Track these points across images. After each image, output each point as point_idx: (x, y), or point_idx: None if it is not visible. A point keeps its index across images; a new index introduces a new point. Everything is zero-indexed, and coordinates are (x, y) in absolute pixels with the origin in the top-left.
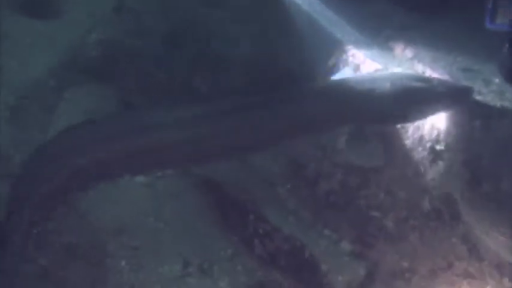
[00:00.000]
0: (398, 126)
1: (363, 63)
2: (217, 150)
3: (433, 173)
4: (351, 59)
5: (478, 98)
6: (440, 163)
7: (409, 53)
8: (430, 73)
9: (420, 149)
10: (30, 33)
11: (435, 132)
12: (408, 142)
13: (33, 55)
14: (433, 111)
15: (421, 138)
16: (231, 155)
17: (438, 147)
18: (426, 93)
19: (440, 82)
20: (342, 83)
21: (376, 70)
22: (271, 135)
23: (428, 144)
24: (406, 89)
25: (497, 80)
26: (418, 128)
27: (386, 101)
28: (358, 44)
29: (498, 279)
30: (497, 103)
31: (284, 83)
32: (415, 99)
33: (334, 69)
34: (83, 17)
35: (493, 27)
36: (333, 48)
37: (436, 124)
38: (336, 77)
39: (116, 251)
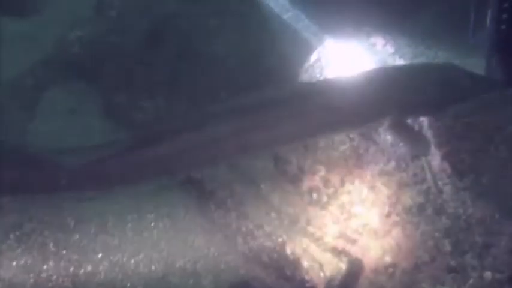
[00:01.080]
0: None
1: (344, 59)
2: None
3: (414, 168)
4: (332, 54)
5: None
6: (422, 158)
7: (390, 48)
8: None
9: (402, 144)
10: (9, 32)
11: (416, 127)
12: (389, 137)
13: (12, 53)
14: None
15: None
16: None
17: None
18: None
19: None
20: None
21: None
22: None
23: None
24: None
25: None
26: None
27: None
28: (339, 40)
29: (480, 272)
30: None
31: (265, 79)
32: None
33: (317, 64)
34: (63, 15)
35: (476, 41)
36: (314, 44)
37: (417, 119)
38: None
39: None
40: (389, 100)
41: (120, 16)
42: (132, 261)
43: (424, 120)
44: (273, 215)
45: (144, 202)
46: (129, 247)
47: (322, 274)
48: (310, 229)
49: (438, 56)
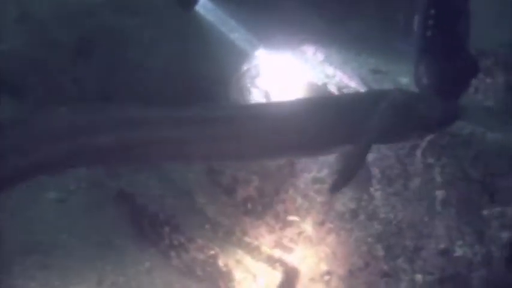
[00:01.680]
0: None
1: (276, 67)
2: None
3: None
4: (264, 63)
5: None
6: None
7: (320, 56)
8: (341, 75)
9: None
10: None
11: None
12: None
13: None
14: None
15: None
16: None
17: None
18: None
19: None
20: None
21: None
22: None
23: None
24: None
25: (405, 81)
26: None
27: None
28: (270, 49)
29: (411, 275)
30: None
31: (201, 88)
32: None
33: (248, 73)
34: None
35: (404, 48)
36: (246, 54)
37: None
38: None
39: (25, 271)
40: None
41: (45, 28)
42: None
43: None
44: (207, 227)
45: (73, 219)
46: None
47: (255, 285)
48: (246, 239)
49: (367, 62)
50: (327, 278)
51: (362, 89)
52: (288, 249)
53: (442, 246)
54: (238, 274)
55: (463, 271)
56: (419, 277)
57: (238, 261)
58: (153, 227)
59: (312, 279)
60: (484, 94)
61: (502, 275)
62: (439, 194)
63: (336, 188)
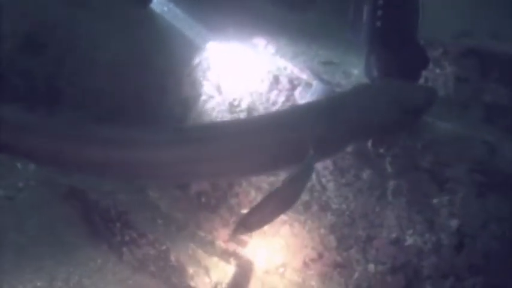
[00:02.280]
0: None
1: (228, 60)
2: None
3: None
4: (215, 56)
5: (337, 90)
6: None
7: (271, 48)
8: (292, 68)
9: None
10: None
11: None
12: None
13: None
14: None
15: None
16: None
17: None
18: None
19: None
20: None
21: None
22: None
23: None
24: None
25: (356, 72)
26: None
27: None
28: (221, 42)
29: (364, 265)
30: None
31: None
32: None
33: (199, 66)
34: None
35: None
36: (197, 48)
37: None
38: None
39: None
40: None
41: None
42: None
43: None
44: (159, 221)
45: (22, 217)
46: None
47: (207, 279)
48: (200, 234)
49: (318, 54)
50: (281, 270)
51: (313, 81)
52: (242, 243)
53: (393, 235)
54: (191, 268)
55: (413, 259)
56: (371, 267)
57: (190, 256)
58: (105, 223)
59: (267, 272)
60: (433, 85)
61: (451, 262)
62: (390, 184)
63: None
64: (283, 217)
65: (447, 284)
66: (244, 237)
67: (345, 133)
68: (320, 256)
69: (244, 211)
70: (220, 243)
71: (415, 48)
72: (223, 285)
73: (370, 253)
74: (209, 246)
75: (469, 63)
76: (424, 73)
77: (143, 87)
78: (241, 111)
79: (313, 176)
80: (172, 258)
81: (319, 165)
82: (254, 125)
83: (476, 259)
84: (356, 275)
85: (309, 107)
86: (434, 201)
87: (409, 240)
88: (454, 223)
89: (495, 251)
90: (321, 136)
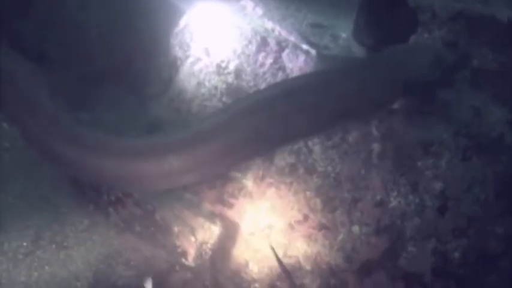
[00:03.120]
0: None
1: (215, 22)
2: None
3: None
4: (202, 19)
5: (325, 52)
6: None
7: (259, 10)
8: (279, 30)
9: None
10: None
11: None
12: None
13: None
14: None
15: None
16: None
17: None
18: None
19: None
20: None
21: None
22: None
23: None
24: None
25: (344, 35)
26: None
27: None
28: (209, 4)
29: (348, 227)
30: None
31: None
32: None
33: (187, 29)
34: None
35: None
36: (184, 9)
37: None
38: None
39: None
40: None
41: None
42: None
43: None
44: None
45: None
46: None
47: (193, 238)
48: (186, 195)
49: (307, 18)
50: (267, 231)
51: (302, 44)
52: (228, 204)
53: (378, 197)
54: (176, 228)
55: (397, 221)
56: (356, 228)
57: (176, 216)
58: (91, 183)
59: (252, 234)
60: None
61: (434, 224)
62: (376, 146)
63: None
64: (269, 179)
65: (430, 245)
66: (230, 199)
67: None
68: (305, 218)
69: (232, 174)
70: (207, 205)
71: (404, 11)
72: (209, 245)
73: (355, 215)
74: (195, 207)
75: (457, 27)
76: (412, 37)
77: (130, 50)
78: (228, 73)
79: None
80: (158, 217)
81: None
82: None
83: (459, 222)
84: (341, 236)
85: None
86: (419, 164)
87: (394, 202)
88: (438, 186)
89: (478, 214)
90: None
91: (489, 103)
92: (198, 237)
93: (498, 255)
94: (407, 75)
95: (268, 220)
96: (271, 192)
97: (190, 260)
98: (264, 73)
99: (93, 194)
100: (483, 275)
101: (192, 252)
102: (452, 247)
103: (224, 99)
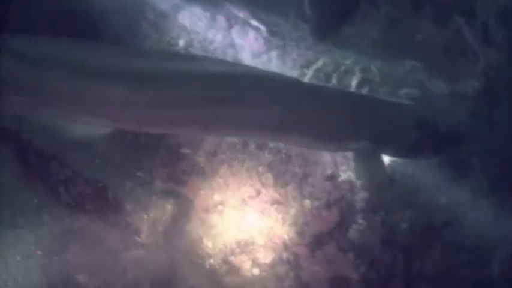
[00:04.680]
0: None
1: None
2: None
3: None
4: None
5: (275, 29)
6: None
7: None
8: (229, 7)
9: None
10: None
11: None
12: None
13: None
14: None
15: None
16: None
17: None
18: None
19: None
20: None
21: None
22: None
23: None
24: None
25: (293, 12)
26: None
27: None
28: None
29: (300, 201)
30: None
31: None
32: None
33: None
34: None
35: None
36: None
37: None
38: None
39: None
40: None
41: None
42: None
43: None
44: (96, 161)
45: None
46: None
47: (145, 216)
48: (139, 174)
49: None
50: (220, 208)
51: (251, 21)
52: (181, 182)
53: (328, 172)
54: (128, 205)
55: (347, 194)
56: (307, 202)
57: (128, 194)
58: (40, 162)
59: (206, 210)
60: (368, 25)
61: (382, 196)
62: None
63: None
64: (221, 156)
65: (378, 217)
66: (183, 177)
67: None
68: (258, 193)
69: (184, 151)
70: (159, 183)
71: None
72: (162, 222)
73: (306, 189)
74: (147, 185)
75: (402, 3)
76: (358, 13)
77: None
78: (179, 50)
79: None
80: (109, 195)
81: None
82: None
83: (405, 194)
84: (292, 211)
85: None
86: None
87: (343, 176)
88: (385, 159)
89: (424, 187)
90: None
91: (433, 75)
92: (151, 214)
93: (442, 226)
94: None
95: (221, 196)
96: (223, 168)
97: (143, 237)
98: (214, 50)
99: (43, 174)
100: (429, 245)
101: (144, 229)
102: (399, 218)
103: None
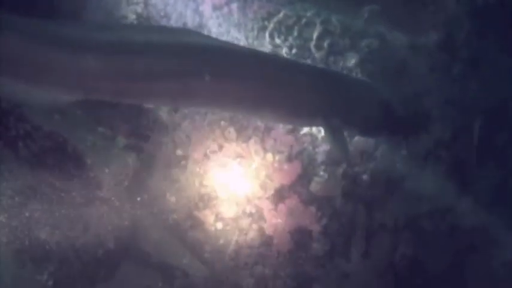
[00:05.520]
0: None
1: None
2: None
3: None
4: None
5: None
6: None
7: None
8: None
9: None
10: None
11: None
12: None
13: None
14: None
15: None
16: None
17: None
18: None
19: None
20: None
21: None
22: None
23: None
24: None
25: None
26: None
27: None
28: None
29: (262, 155)
30: None
31: None
32: None
33: None
34: None
35: None
36: None
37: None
38: None
39: None
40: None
41: None
42: None
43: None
44: (56, 116)
45: None
46: None
47: (107, 170)
48: (100, 129)
49: None
50: (183, 163)
51: None
52: (143, 137)
53: (289, 125)
54: (89, 159)
55: (308, 147)
56: (270, 156)
57: (89, 148)
58: None
59: (168, 165)
60: None
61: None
62: None
63: None
64: (184, 111)
65: (339, 170)
66: (145, 132)
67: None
68: (220, 148)
69: (146, 106)
70: (121, 138)
71: None
72: (124, 176)
73: (268, 143)
74: (109, 140)
75: None
76: None
77: None
78: (137, 3)
79: None
80: (70, 149)
81: None
82: None
83: (367, 147)
84: (255, 164)
85: None
86: None
87: (305, 129)
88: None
89: (384, 139)
90: None
91: (393, 28)
92: (113, 169)
93: (402, 177)
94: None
95: (184, 151)
96: (186, 123)
97: (105, 192)
98: (175, 2)
99: (0, 129)
100: (389, 197)
101: (106, 184)
102: (361, 170)
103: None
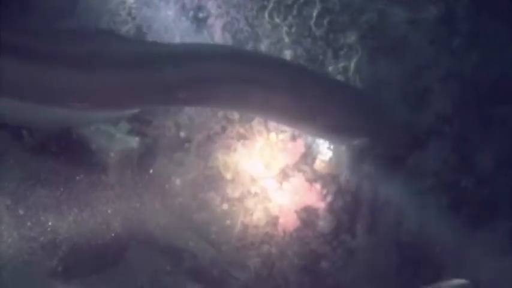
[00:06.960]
0: None
1: None
2: None
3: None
4: None
5: None
6: (205, 32)
7: None
8: None
9: (184, 18)
10: None
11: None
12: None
13: None
14: None
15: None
16: None
17: (201, 15)
18: None
19: None
20: None
21: None
22: None
23: (190, 14)
24: None
25: None
26: None
27: None
28: None
29: (266, 135)
30: None
31: None
32: None
33: None
34: None
35: None
36: None
37: None
38: None
39: None
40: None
41: None
42: None
43: None
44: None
45: None
46: None
47: (112, 154)
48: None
49: None
50: (186, 145)
51: None
52: (146, 122)
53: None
54: (94, 145)
55: None
56: (273, 136)
57: (93, 133)
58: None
59: (172, 148)
60: None
61: None
62: (287, 53)
63: None
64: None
65: (343, 147)
66: (148, 117)
67: None
68: (223, 129)
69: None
70: (125, 123)
71: None
72: (128, 162)
73: (271, 123)
74: (113, 125)
75: None
76: None
77: None
78: None
79: None
80: (74, 135)
81: (217, 39)
82: None
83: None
84: (258, 145)
85: None
86: (330, 68)
87: None
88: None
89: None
90: None
91: (392, 3)
92: (117, 154)
93: (404, 156)
94: None
95: (187, 134)
96: (188, 107)
97: (110, 177)
98: None
99: None
100: (394, 172)
101: (111, 169)
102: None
103: (134, 12)
